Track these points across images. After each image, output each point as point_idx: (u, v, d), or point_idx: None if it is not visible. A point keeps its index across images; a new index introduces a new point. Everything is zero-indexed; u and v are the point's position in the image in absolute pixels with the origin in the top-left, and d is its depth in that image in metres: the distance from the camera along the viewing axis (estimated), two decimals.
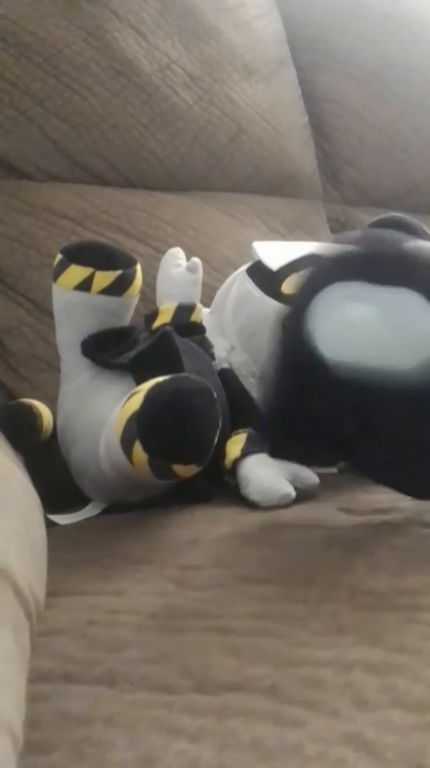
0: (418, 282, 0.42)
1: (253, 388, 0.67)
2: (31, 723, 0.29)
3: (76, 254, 0.63)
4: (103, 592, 0.42)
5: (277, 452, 0.49)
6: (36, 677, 0.33)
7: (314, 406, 0.45)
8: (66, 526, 0.60)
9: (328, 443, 0.47)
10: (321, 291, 0.44)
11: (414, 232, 0.76)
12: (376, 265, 0.43)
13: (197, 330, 0.68)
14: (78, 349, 0.63)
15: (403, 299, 0.42)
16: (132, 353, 0.61)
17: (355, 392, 0.43)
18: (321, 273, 0.45)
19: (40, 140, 0.86)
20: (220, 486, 0.61)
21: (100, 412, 0.59)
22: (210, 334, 0.69)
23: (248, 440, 0.62)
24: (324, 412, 0.45)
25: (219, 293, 0.76)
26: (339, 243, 0.46)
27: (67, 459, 0.64)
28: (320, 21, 1.18)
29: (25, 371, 0.78)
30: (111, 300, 0.63)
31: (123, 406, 0.52)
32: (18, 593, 0.30)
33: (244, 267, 0.73)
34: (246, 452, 0.61)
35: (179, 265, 0.73)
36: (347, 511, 0.53)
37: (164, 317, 0.67)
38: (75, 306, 0.63)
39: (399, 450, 0.43)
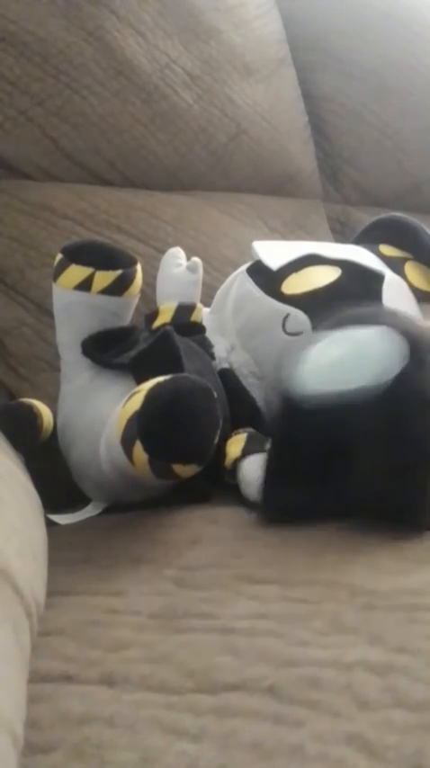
0: (387, 322, 0.46)
1: (253, 388, 0.67)
2: (31, 723, 0.29)
3: (76, 254, 0.63)
4: (103, 592, 0.42)
5: (275, 508, 0.51)
6: (36, 677, 0.33)
7: (299, 441, 0.49)
8: (66, 526, 0.60)
9: (318, 484, 0.48)
10: (306, 349, 0.49)
11: (414, 232, 0.76)
12: (352, 320, 0.48)
13: (197, 330, 0.68)
14: (78, 349, 0.63)
15: (368, 332, 0.46)
16: (133, 353, 0.61)
17: (331, 418, 0.46)
18: (305, 338, 0.51)
19: (40, 140, 0.86)
20: (220, 486, 0.61)
21: (100, 412, 0.59)
22: (210, 334, 0.69)
23: (248, 440, 0.62)
24: (307, 444, 0.49)
25: (219, 293, 0.76)
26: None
27: (67, 459, 0.64)
28: (320, 21, 1.18)
29: (25, 371, 0.78)
30: (111, 300, 0.63)
31: (124, 406, 0.52)
32: (18, 592, 0.30)
33: (244, 267, 0.73)
34: (246, 452, 0.61)
35: (179, 265, 0.73)
36: None
37: (164, 317, 0.67)
38: (75, 306, 0.63)
39: (375, 474, 0.44)
